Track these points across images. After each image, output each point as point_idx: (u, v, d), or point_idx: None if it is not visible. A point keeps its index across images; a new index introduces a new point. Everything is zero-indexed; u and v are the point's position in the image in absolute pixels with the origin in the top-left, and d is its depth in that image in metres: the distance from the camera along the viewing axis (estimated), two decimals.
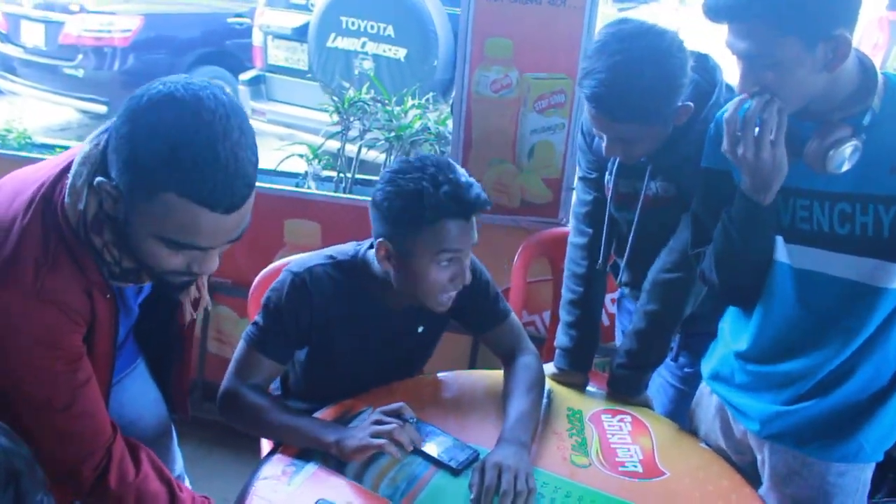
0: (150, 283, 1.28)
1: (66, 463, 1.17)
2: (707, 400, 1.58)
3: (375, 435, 1.37)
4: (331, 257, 1.56)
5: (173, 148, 0.99)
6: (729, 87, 1.54)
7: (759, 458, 1.46)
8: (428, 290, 1.46)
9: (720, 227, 1.34)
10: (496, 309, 1.66)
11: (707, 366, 1.55)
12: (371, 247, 1.55)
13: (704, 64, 1.53)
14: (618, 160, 1.63)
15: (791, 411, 1.36)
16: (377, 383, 1.64)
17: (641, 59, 1.37)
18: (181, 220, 1.03)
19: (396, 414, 1.43)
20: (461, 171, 1.44)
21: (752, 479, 1.48)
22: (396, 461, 1.40)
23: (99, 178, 1.06)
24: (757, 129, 1.18)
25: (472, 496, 1.32)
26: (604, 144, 1.52)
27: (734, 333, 1.47)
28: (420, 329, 1.64)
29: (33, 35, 5.91)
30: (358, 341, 1.59)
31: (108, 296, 1.17)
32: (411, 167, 1.43)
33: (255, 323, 1.53)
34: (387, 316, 1.57)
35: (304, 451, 1.42)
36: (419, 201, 1.38)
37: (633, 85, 1.38)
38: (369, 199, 1.49)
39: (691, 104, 1.45)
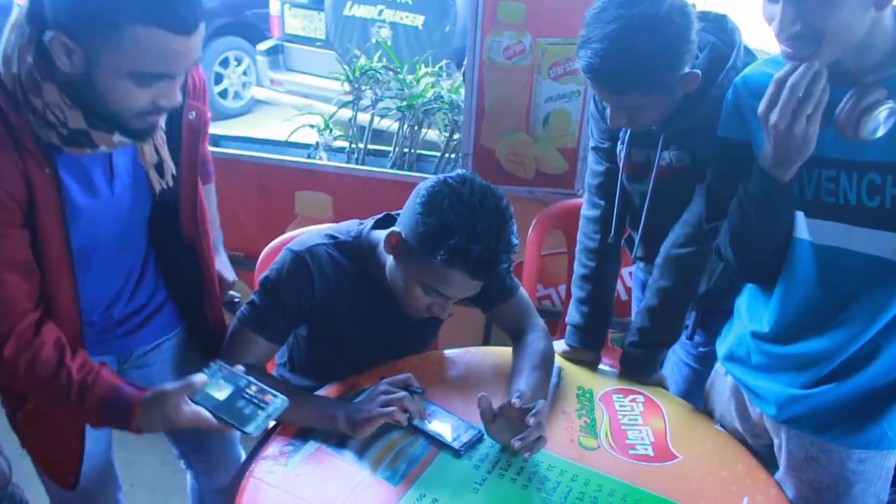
0: (127, 163, 1.28)
1: None
2: (722, 381, 1.51)
3: (384, 405, 1.34)
4: (332, 237, 1.52)
5: None
6: (748, 50, 1.46)
7: (775, 442, 1.39)
8: (404, 300, 1.45)
9: (735, 201, 1.26)
10: (504, 284, 1.60)
11: (722, 346, 1.47)
12: (374, 226, 1.51)
13: (723, 25, 1.45)
14: (630, 129, 1.55)
15: (810, 395, 1.28)
16: (380, 362, 1.60)
17: (637, 27, 1.28)
18: (152, 50, 1.05)
19: (404, 385, 1.40)
20: (509, 234, 1.34)
21: (769, 463, 1.41)
22: (396, 442, 1.36)
23: (49, 33, 1.05)
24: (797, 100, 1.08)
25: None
26: (608, 113, 1.45)
27: (751, 312, 1.39)
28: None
29: None
30: (359, 323, 1.54)
31: (47, 170, 1.15)
32: (472, 202, 1.32)
33: (250, 302, 1.48)
34: (388, 297, 1.51)
35: (303, 431, 1.39)
36: (444, 240, 1.31)
37: (629, 55, 1.30)
38: (411, 176, 1.45)
39: (699, 72, 1.37)
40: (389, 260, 1.44)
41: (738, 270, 1.35)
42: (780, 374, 1.33)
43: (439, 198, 1.33)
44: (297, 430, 1.39)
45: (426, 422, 1.40)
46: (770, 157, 1.15)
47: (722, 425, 1.51)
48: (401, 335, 1.62)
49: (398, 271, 1.42)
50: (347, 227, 1.54)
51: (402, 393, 1.36)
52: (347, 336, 1.56)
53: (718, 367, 1.52)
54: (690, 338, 1.70)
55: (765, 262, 1.29)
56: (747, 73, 1.30)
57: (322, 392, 1.50)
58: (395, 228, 1.41)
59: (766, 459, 1.42)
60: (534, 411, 1.33)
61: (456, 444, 1.37)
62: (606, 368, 1.68)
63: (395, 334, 1.60)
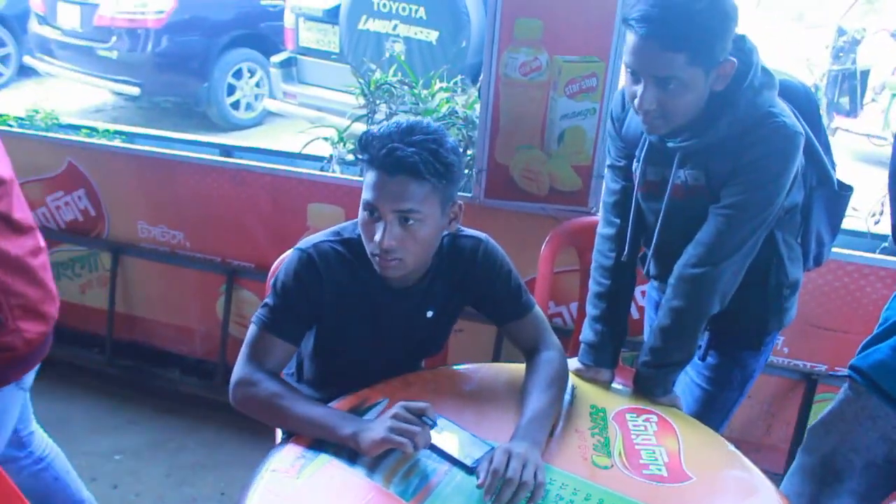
0: None
1: None
2: (856, 405, 1.47)
3: (395, 430, 1.31)
4: (337, 234, 1.53)
5: None
6: (765, 70, 1.46)
7: None
8: (366, 244, 1.43)
9: None
10: (518, 301, 1.59)
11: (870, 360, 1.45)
12: None
13: (741, 45, 1.45)
14: (646, 146, 1.55)
15: None
16: (388, 372, 1.59)
17: None
18: None
19: (419, 413, 1.36)
20: (425, 133, 1.36)
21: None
22: (409, 457, 1.34)
23: None
24: None
25: (478, 480, 1.27)
26: (638, 93, 1.41)
27: None
28: (429, 314, 1.58)
29: (69, 17, 5.97)
30: (368, 323, 1.54)
31: None
32: (399, 120, 1.40)
33: (264, 305, 1.49)
34: (394, 295, 1.52)
35: (316, 442, 1.38)
36: (361, 141, 1.39)
37: (687, 9, 1.32)
38: None
39: (734, 59, 1.38)
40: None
41: None
42: None
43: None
44: (308, 442, 1.38)
45: (438, 431, 1.38)
46: None
47: (840, 452, 1.48)
48: (409, 333, 1.60)
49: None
50: (352, 225, 1.53)
51: (417, 429, 1.32)
52: (356, 335, 1.55)
53: (850, 390, 1.49)
54: (703, 359, 1.68)
55: None
56: None
57: (334, 405, 1.49)
58: None
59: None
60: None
61: (468, 461, 1.35)
62: (619, 387, 1.67)
63: (401, 339, 1.59)
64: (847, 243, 2.30)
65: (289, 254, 1.52)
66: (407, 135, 1.35)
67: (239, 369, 1.47)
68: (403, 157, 1.33)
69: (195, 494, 2.41)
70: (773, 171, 1.44)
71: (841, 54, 6.95)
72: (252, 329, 1.49)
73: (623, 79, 2.13)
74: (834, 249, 2.06)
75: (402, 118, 1.42)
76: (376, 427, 1.33)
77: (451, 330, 1.69)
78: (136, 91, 5.82)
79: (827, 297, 2.24)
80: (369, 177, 1.38)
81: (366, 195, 1.38)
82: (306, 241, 1.51)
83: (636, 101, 1.43)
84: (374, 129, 1.39)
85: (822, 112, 6.45)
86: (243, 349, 1.48)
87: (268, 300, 1.49)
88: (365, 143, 1.37)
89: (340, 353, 1.58)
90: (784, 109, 1.46)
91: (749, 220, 1.47)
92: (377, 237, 1.38)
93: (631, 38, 1.38)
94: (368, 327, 1.55)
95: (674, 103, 1.40)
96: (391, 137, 1.35)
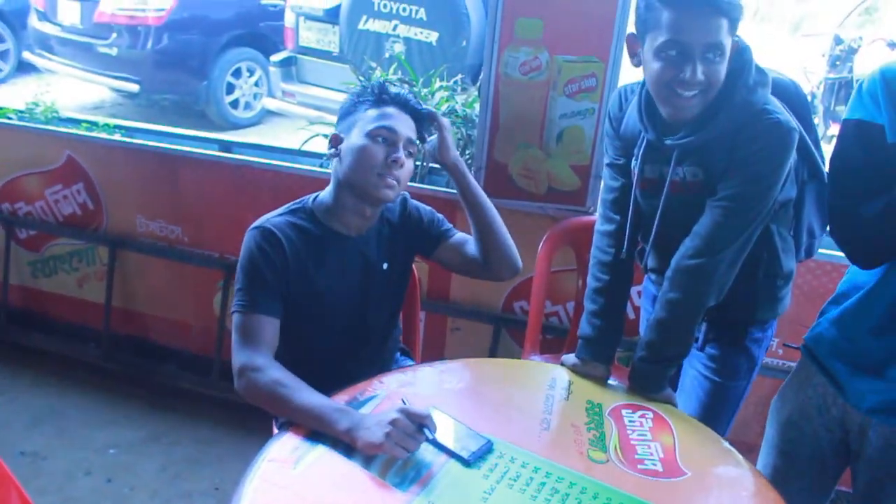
0: None
1: None
2: (800, 375, 1.60)
3: (393, 438, 1.31)
4: (285, 209, 1.66)
5: None
6: (758, 68, 1.49)
7: (853, 432, 1.48)
8: (364, 166, 1.57)
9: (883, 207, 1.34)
10: (443, 226, 1.81)
11: (811, 336, 1.57)
12: (316, 198, 1.69)
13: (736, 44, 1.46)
14: (644, 145, 1.57)
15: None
16: (357, 339, 1.69)
17: None
18: None
19: (420, 422, 1.35)
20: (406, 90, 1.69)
21: (833, 462, 1.55)
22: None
23: None
24: None
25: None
26: (688, 71, 1.40)
27: (851, 302, 1.48)
28: (385, 265, 1.71)
29: (70, 13, 5.96)
30: (333, 277, 1.64)
31: None
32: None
33: (237, 291, 1.56)
34: (351, 242, 1.66)
35: (313, 433, 1.38)
36: (366, 88, 1.66)
37: None
38: None
39: (738, 40, 1.43)
40: (335, 164, 1.63)
41: (863, 254, 1.45)
42: (872, 364, 1.41)
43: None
44: (305, 432, 1.39)
45: (434, 431, 1.39)
46: None
47: (791, 421, 1.60)
48: (370, 287, 1.70)
49: (346, 153, 1.60)
50: (298, 201, 1.69)
51: (414, 442, 1.33)
52: (325, 295, 1.63)
53: (799, 362, 1.62)
54: (701, 349, 1.70)
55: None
56: (887, 66, 1.35)
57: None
58: (332, 134, 1.66)
59: (831, 458, 1.56)
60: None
61: (465, 454, 1.36)
62: (615, 383, 1.68)
63: (364, 285, 1.69)
64: None
65: (245, 236, 1.61)
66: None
67: (237, 358, 1.49)
68: (413, 100, 1.67)
69: (190, 489, 2.41)
70: (768, 166, 1.46)
71: (837, 63, 6.99)
72: (235, 318, 1.53)
73: (622, 79, 2.15)
74: (828, 252, 2.08)
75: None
76: (374, 430, 1.32)
77: (406, 286, 1.82)
78: (135, 88, 5.82)
79: (822, 299, 2.24)
80: (384, 111, 1.60)
81: (381, 122, 1.58)
82: (258, 222, 1.61)
83: (686, 76, 1.41)
84: (371, 83, 1.69)
85: (819, 119, 6.49)
86: (234, 339, 1.52)
87: (239, 286, 1.56)
88: (381, 88, 1.65)
89: (315, 316, 1.64)
90: (778, 106, 1.48)
91: (744, 212, 1.49)
92: (394, 155, 1.57)
93: (671, 15, 1.38)
94: (336, 282, 1.64)
95: (717, 73, 1.42)
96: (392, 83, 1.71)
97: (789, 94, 1.58)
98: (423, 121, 1.68)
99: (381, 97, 1.63)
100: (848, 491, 1.60)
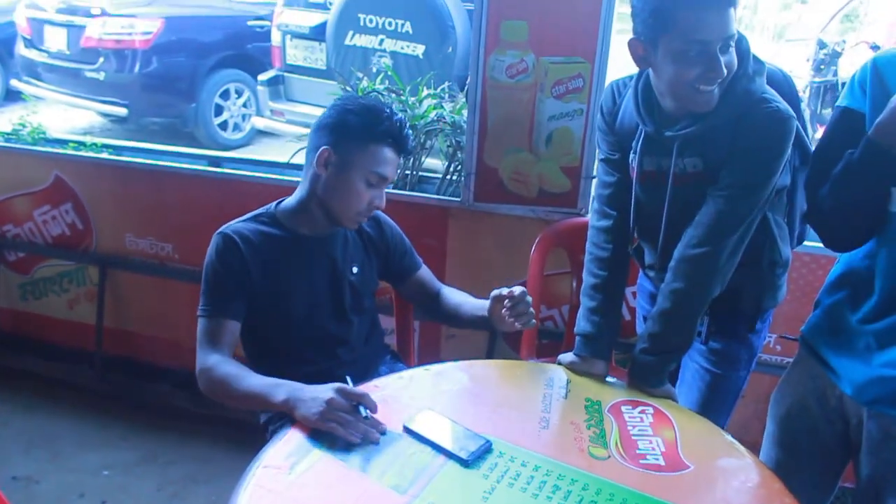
0: None
1: None
2: (799, 368, 1.59)
3: (327, 416, 1.34)
4: (248, 215, 1.70)
5: None
6: (755, 58, 1.49)
7: (853, 422, 1.47)
8: (349, 203, 1.61)
9: (841, 165, 1.37)
10: (415, 255, 1.89)
11: (808, 325, 1.58)
12: (279, 203, 1.72)
13: None
14: (642, 138, 1.56)
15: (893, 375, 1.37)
16: (333, 339, 1.72)
17: None
18: None
19: (356, 399, 1.37)
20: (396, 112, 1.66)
21: (837, 454, 1.55)
22: (404, 451, 1.33)
23: None
24: None
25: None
26: (715, 67, 1.40)
27: (843, 289, 1.49)
28: (354, 269, 1.74)
29: (56, 39, 5.97)
30: (297, 280, 1.66)
31: None
32: (364, 97, 1.69)
33: (201, 295, 1.61)
34: (315, 246, 1.68)
35: (309, 437, 1.36)
36: (377, 119, 1.59)
37: None
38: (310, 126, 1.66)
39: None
40: (322, 180, 1.62)
41: (827, 232, 1.48)
42: (864, 353, 1.41)
43: (342, 108, 1.62)
44: (300, 438, 1.36)
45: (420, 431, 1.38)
46: (883, 125, 1.28)
47: (791, 415, 1.59)
48: (339, 291, 1.72)
49: (338, 179, 1.60)
50: (261, 208, 1.73)
51: (350, 418, 1.34)
52: (291, 294, 1.66)
53: (797, 355, 1.62)
54: (704, 343, 1.68)
55: (853, 228, 1.41)
56: (879, 55, 1.38)
57: None
58: (321, 148, 1.60)
59: (832, 451, 1.56)
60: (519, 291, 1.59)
61: (463, 454, 1.33)
62: (613, 381, 1.66)
63: (339, 288, 1.72)
64: None
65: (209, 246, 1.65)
66: (401, 119, 1.64)
67: (197, 361, 1.57)
68: (408, 137, 1.65)
69: None
70: (770, 153, 1.47)
71: (822, 67, 7.04)
72: (199, 323, 1.59)
73: (608, 78, 2.15)
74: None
75: (383, 103, 1.70)
76: (310, 404, 1.36)
77: (374, 299, 1.85)
78: (123, 112, 5.81)
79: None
80: (382, 152, 1.60)
81: (378, 168, 1.60)
82: (222, 228, 1.65)
83: (711, 73, 1.40)
84: (383, 109, 1.63)
85: (807, 122, 6.52)
86: (198, 343, 1.58)
87: (202, 290, 1.61)
88: (386, 126, 1.60)
89: (281, 320, 1.67)
90: (775, 95, 1.49)
91: (747, 199, 1.48)
92: (378, 202, 1.63)
93: (688, 16, 1.37)
94: (300, 285, 1.66)
95: (733, 62, 1.43)
96: (401, 122, 1.62)
97: (779, 82, 1.59)
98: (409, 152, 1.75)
99: (384, 132, 1.60)
100: (852, 487, 1.58)
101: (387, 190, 1.66)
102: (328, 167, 1.60)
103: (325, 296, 1.71)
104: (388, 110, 1.62)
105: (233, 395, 1.50)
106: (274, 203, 1.73)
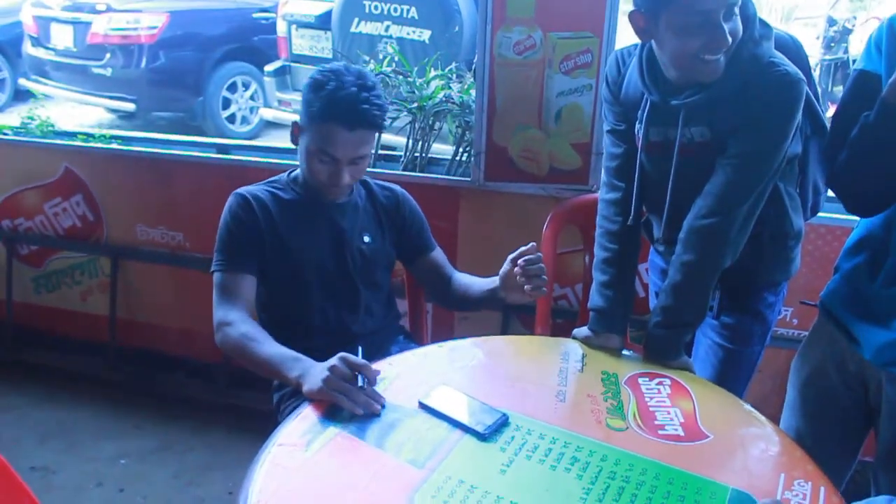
0: None
1: None
2: (818, 335, 1.59)
3: (330, 384, 1.34)
4: (263, 182, 1.74)
5: None
6: (762, 21, 1.46)
7: (872, 387, 1.46)
8: (312, 178, 1.64)
9: (856, 129, 1.36)
10: (430, 237, 1.87)
11: (826, 292, 1.57)
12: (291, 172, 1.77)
13: None
14: (648, 107, 1.53)
15: None
16: (343, 308, 1.73)
17: None
18: None
19: (357, 368, 1.37)
20: (371, 86, 1.57)
21: (858, 421, 1.54)
22: (420, 426, 1.32)
23: None
24: None
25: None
26: (719, 35, 1.36)
27: (862, 254, 1.47)
28: (366, 238, 1.75)
29: (63, 37, 5.98)
30: (308, 243, 1.69)
31: None
32: (338, 67, 1.58)
33: (215, 252, 1.65)
34: (320, 210, 1.70)
35: (324, 415, 1.35)
36: (319, 94, 1.55)
37: None
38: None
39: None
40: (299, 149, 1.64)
41: (849, 198, 1.45)
42: (883, 316, 1.39)
43: (314, 74, 1.59)
44: (315, 416, 1.35)
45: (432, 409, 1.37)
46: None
47: (810, 381, 1.59)
48: (350, 256, 1.73)
49: (300, 155, 1.64)
50: (274, 177, 1.77)
51: (350, 387, 1.34)
52: (298, 254, 1.68)
53: (816, 321, 1.61)
54: (717, 318, 1.66)
55: (874, 192, 1.39)
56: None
57: None
58: (293, 122, 1.64)
59: (853, 419, 1.55)
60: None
61: (480, 428, 1.32)
62: (629, 353, 1.64)
63: (345, 254, 1.72)
64: None
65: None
66: (363, 90, 1.55)
67: (215, 314, 1.58)
68: (367, 111, 1.54)
69: (203, 495, 2.38)
70: (780, 119, 1.43)
71: (832, 44, 6.98)
72: (214, 278, 1.62)
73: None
74: (845, 217, 2.04)
75: (352, 73, 1.58)
76: (315, 376, 1.36)
77: (389, 275, 1.84)
78: (131, 107, 5.82)
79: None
80: (326, 128, 1.55)
81: (323, 145, 1.56)
82: (236, 190, 1.70)
83: (715, 43, 1.37)
84: (330, 81, 1.54)
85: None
86: (214, 298, 1.60)
87: (216, 248, 1.65)
88: (329, 99, 1.53)
89: (294, 283, 1.69)
90: (783, 59, 1.45)
91: (757, 167, 1.45)
92: (334, 180, 1.60)
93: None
94: (305, 242, 1.68)
95: (738, 28, 1.40)
96: (357, 96, 1.53)
97: (788, 48, 1.55)
98: (381, 124, 1.65)
99: (330, 112, 1.54)
100: (872, 461, 1.55)
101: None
102: (297, 141, 1.65)
103: (330, 260, 1.72)
104: (334, 83, 1.53)
105: (248, 356, 1.51)
106: (288, 171, 1.77)
